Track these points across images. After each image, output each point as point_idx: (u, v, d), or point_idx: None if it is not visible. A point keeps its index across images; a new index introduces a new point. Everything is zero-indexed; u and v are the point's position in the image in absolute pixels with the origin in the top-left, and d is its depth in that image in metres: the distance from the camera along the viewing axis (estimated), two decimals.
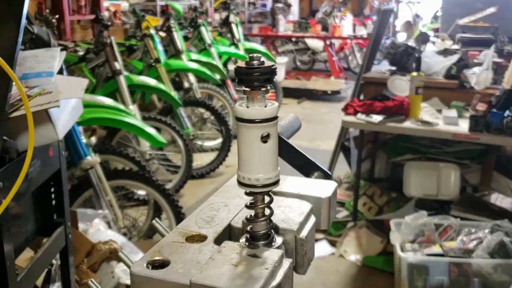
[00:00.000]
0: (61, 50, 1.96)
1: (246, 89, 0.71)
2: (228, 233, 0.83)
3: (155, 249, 0.75)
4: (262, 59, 0.71)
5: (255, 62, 0.69)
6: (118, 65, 4.61)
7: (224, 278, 0.67)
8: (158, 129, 4.67)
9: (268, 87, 0.72)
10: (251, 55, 0.70)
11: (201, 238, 0.79)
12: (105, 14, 7.82)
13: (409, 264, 3.21)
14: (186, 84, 5.96)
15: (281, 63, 11.08)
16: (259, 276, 0.68)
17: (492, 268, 3.13)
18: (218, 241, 0.78)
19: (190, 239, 0.79)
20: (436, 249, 3.29)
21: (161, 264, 0.72)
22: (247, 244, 0.76)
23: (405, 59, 4.49)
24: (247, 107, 0.72)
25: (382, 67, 4.90)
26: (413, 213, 3.61)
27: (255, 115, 0.71)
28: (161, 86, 5.02)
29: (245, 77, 0.70)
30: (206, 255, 0.73)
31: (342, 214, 4.56)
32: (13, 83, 1.33)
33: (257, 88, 0.71)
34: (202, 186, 5.56)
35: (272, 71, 0.70)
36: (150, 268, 0.71)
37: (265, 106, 0.72)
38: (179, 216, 3.67)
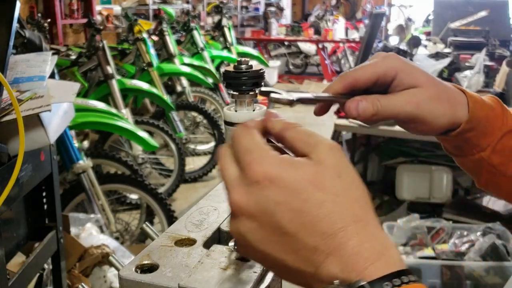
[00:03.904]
0: (53, 54, 1.96)
1: (234, 93, 0.71)
2: (217, 237, 0.83)
3: (144, 253, 0.75)
4: (251, 63, 0.71)
5: (243, 66, 0.69)
6: (111, 69, 4.61)
7: (212, 282, 0.67)
8: (151, 133, 4.67)
9: (257, 91, 0.72)
10: (239, 59, 0.71)
11: (190, 242, 0.79)
12: (98, 18, 7.81)
13: None
14: (178, 88, 5.96)
15: (274, 66, 11.10)
16: (247, 280, 0.68)
17: (484, 271, 3.13)
18: (207, 244, 0.78)
19: (179, 243, 0.79)
20: (428, 252, 3.29)
21: (150, 268, 0.72)
22: (236, 247, 0.76)
23: None
24: (235, 110, 0.72)
25: None
26: (406, 216, 3.61)
27: (243, 118, 0.71)
28: (154, 90, 5.02)
29: (233, 81, 0.70)
30: (195, 259, 0.73)
31: None
32: (4, 87, 1.33)
33: (245, 92, 0.71)
34: (195, 190, 5.55)
35: (260, 75, 0.70)
36: (139, 272, 0.71)
37: (253, 110, 0.72)
38: (171, 220, 3.66)
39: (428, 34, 6.51)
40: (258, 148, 0.58)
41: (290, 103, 0.72)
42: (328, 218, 0.54)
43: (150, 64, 5.46)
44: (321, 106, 0.84)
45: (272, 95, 0.70)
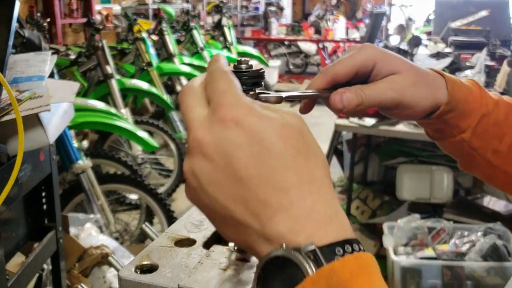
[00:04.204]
0: (53, 53, 1.96)
1: None
2: (217, 237, 0.83)
3: (143, 254, 0.75)
4: (251, 62, 0.70)
5: (243, 65, 0.69)
6: (110, 68, 4.61)
7: (212, 283, 0.66)
8: (151, 133, 4.66)
9: (257, 91, 0.71)
10: (239, 58, 0.70)
11: (190, 242, 0.79)
12: (97, 17, 7.80)
13: (402, 267, 3.21)
14: (178, 88, 5.95)
15: (274, 66, 11.09)
16: (247, 280, 0.67)
17: (485, 271, 3.13)
18: (207, 245, 0.78)
19: (179, 243, 0.79)
20: (429, 252, 3.29)
21: (150, 269, 0.71)
22: (236, 248, 0.76)
23: None
24: None
25: None
26: (406, 216, 3.61)
27: None
28: (153, 90, 5.02)
29: None
30: (195, 259, 0.73)
31: None
32: (3, 87, 1.32)
33: (245, 92, 0.70)
34: None
35: (260, 75, 0.69)
36: (138, 272, 0.71)
37: None
38: (171, 220, 3.66)
39: (428, 33, 6.52)
40: (233, 92, 0.57)
41: (279, 100, 0.72)
42: (285, 172, 0.52)
43: (149, 64, 5.46)
44: (306, 103, 0.85)
45: (261, 94, 0.70)
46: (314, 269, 0.48)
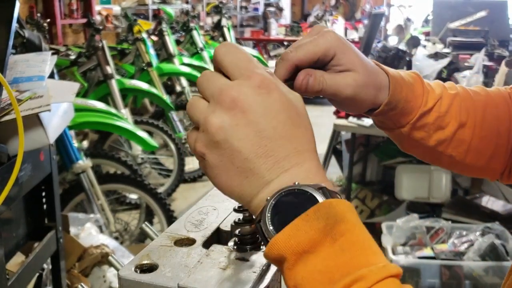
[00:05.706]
0: (53, 54, 1.96)
1: None
2: (217, 237, 0.83)
3: (143, 253, 0.75)
4: None
5: None
6: (110, 69, 4.61)
7: (212, 282, 0.67)
8: (150, 133, 4.66)
9: None
10: None
11: (190, 242, 0.79)
12: (97, 18, 7.81)
13: (401, 267, 3.21)
14: (178, 88, 5.95)
15: (273, 66, 11.06)
16: (247, 280, 0.68)
17: (483, 271, 3.14)
18: (207, 244, 0.78)
19: (178, 243, 0.79)
20: (427, 252, 3.30)
21: (150, 268, 0.72)
22: (235, 247, 0.76)
23: (396, 63, 4.49)
24: None
25: None
26: (405, 216, 3.61)
27: None
28: (153, 90, 5.02)
29: None
30: (195, 259, 0.73)
31: None
32: (3, 87, 1.33)
33: None
34: (194, 190, 5.54)
35: None
36: (138, 272, 0.71)
37: None
38: (171, 220, 3.66)
39: (427, 34, 6.49)
40: (256, 61, 0.66)
41: None
42: (302, 138, 0.64)
43: (149, 64, 5.46)
44: None
45: None
46: (323, 199, 0.59)
